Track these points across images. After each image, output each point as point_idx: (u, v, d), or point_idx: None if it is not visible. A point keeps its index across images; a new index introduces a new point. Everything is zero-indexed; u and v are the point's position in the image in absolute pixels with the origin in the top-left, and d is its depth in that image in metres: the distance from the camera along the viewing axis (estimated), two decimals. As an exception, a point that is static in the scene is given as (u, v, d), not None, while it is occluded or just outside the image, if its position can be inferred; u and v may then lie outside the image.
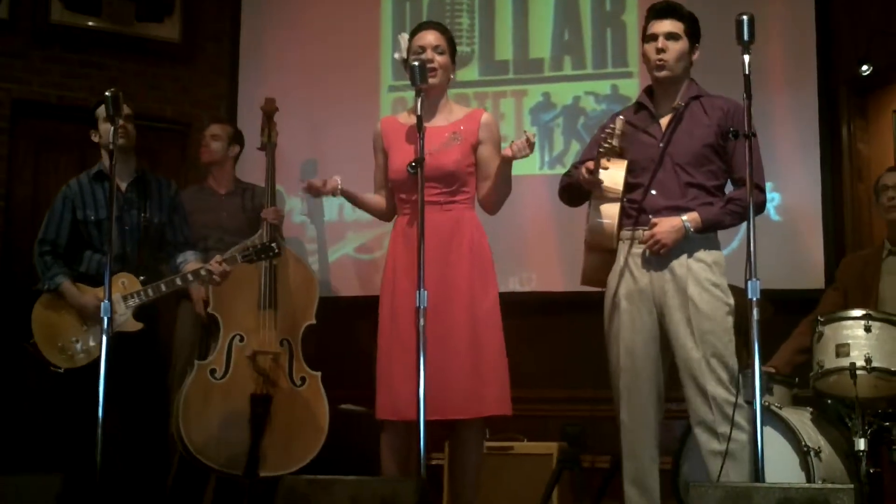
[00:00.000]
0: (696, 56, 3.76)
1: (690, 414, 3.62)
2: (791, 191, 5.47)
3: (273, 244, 4.34)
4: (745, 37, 3.24)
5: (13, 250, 5.68)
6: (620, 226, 3.68)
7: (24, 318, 4.28)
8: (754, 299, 3.13)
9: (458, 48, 5.34)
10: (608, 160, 3.61)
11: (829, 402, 4.34)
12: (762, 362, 3.16)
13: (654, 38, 3.71)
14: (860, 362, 4.05)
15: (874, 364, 4.04)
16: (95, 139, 4.39)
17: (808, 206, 5.49)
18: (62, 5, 5.89)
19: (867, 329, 4.09)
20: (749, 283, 3.14)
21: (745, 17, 3.25)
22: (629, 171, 3.68)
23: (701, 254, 3.64)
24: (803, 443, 4.03)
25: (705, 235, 3.65)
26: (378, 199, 4.04)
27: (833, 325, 4.18)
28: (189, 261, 4.40)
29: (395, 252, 3.90)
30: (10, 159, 5.81)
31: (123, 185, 4.35)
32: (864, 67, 5.30)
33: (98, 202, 4.32)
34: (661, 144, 3.71)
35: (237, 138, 5.39)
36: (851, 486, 2.84)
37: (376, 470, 3.88)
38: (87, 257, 4.29)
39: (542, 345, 5.58)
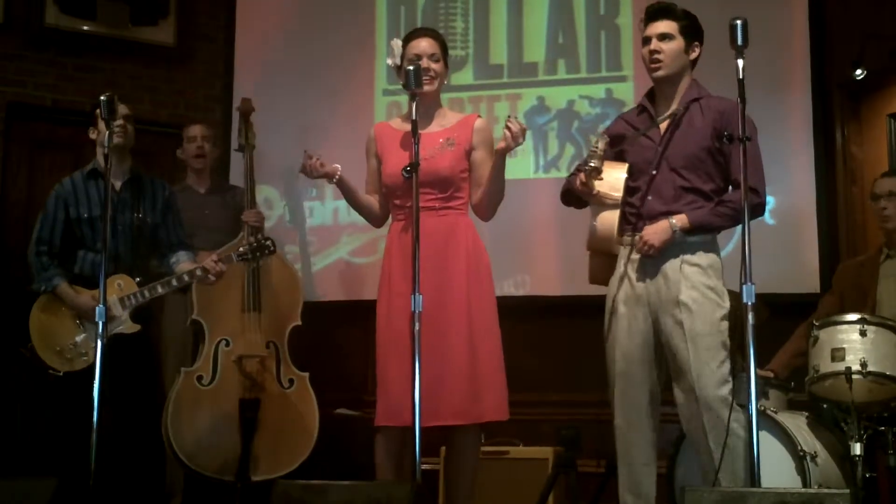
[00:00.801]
0: (695, 54, 3.74)
1: (681, 418, 3.62)
2: (785, 194, 5.47)
3: (268, 241, 4.34)
4: (739, 41, 3.24)
5: (7, 253, 5.67)
6: (621, 231, 3.68)
7: (19, 320, 4.27)
8: (749, 303, 3.13)
9: (453, 52, 5.33)
10: (601, 163, 3.59)
11: (825, 406, 4.34)
12: (757, 366, 3.16)
13: (649, 40, 3.72)
14: (856, 366, 4.04)
15: (869, 368, 4.04)
16: (93, 136, 4.37)
17: (802, 210, 5.50)
18: (57, 8, 5.88)
19: (862, 333, 4.09)
20: (744, 286, 3.14)
21: (738, 22, 3.25)
22: (629, 174, 3.68)
23: (695, 257, 3.64)
24: (799, 447, 4.03)
25: (702, 239, 3.65)
26: (372, 200, 4.04)
27: (828, 329, 4.18)
28: (182, 261, 4.40)
29: (390, 257, 3.90)
30: (4, 162, 5.81)
31: (118, 185, 4.34)
32: (858, 71, 5.31)
33: (91, 200, 4.30)
34: (659, 148, 3.71)
35: (217, 139, 5.50)
36: (847, 490, 2.84)
37: (371, 475, 3.88)
38: (80, 257, 4.28)
39: (538, 348, 5.57)
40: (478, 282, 3.83)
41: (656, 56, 3.69)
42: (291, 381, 4.76)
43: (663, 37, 3.69)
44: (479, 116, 4.06)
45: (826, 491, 2.94)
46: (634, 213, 3.70)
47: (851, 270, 4.74)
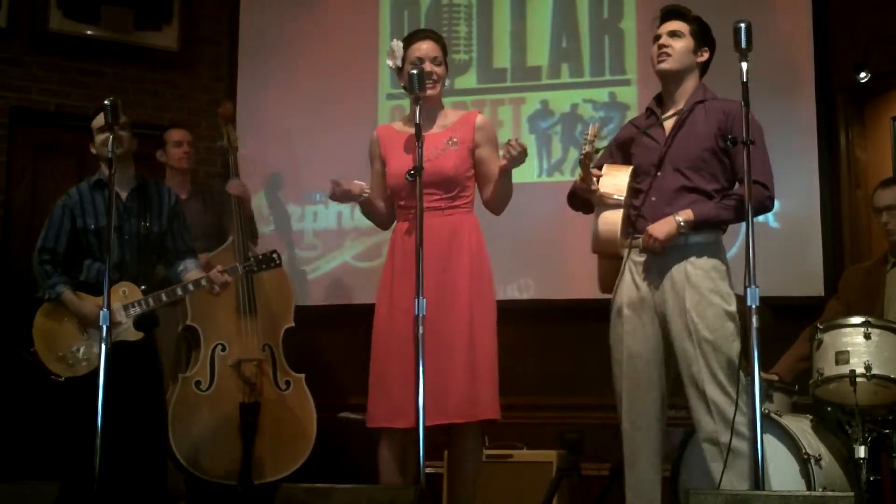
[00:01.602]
0: (703, 58, 3.76)
1: (694, 422, 3.61)
2: (789, 198, 5.46)
3: (275, 254, 4.34)
4: (743, 44, 3.24)
5: (11, 258, 5.68)
6: (626, 233, 3.68)
7: (22, 325, 4.27)
8: (753, 306, 3.12)
9: (456, 56, 5.32)
10: (592, 148, 3.59)
11: (829, 409, 4.33)
12: (762, 369, 3.16)
13: (659, 37, 3.75)
14: (860, 369, 4.03)
15: (874, 371, 4.03)
16: (94, 151, 4.40)
17: (806, 213, 5.49)
18: (61, 13, 5.90)
19: (867, 336, 4.08)
20: (748, 290, 3.13)
21: (742, 25, 3.25)
22: (634, 176, 3.68)
23: (700, 260, 3.63)
24: (803, 450, 4.02)
25: (707, 241, 3.65)
26: (384, 206, 4.03)
27: (832, 332, 4.17)
28: (190, 269, 4.39)
29: (393, 258, 3.88)
30: (8, 167, 5.82)
31: (124, 195, 4.34)
32: (862, 74, 5.30)
33: (98, 210, 4.31)
34: (662, 149, 3.71)
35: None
36: (851, 493, 2.85)
37: (374, 478, 3.87)
38: (86, 266, 4.28)
39: (541, 352, 5.57)
40: (479, 282, 3.81)
41: (664, 49, 3.72)
42: (288, 384, 4.77)
43: (673, 34, 3.73)
44: (480, 113, 4.03)
45: (830, 494, 2.94)
46: (637, 214, 3.70)
47: (858, 277, 4.73)
